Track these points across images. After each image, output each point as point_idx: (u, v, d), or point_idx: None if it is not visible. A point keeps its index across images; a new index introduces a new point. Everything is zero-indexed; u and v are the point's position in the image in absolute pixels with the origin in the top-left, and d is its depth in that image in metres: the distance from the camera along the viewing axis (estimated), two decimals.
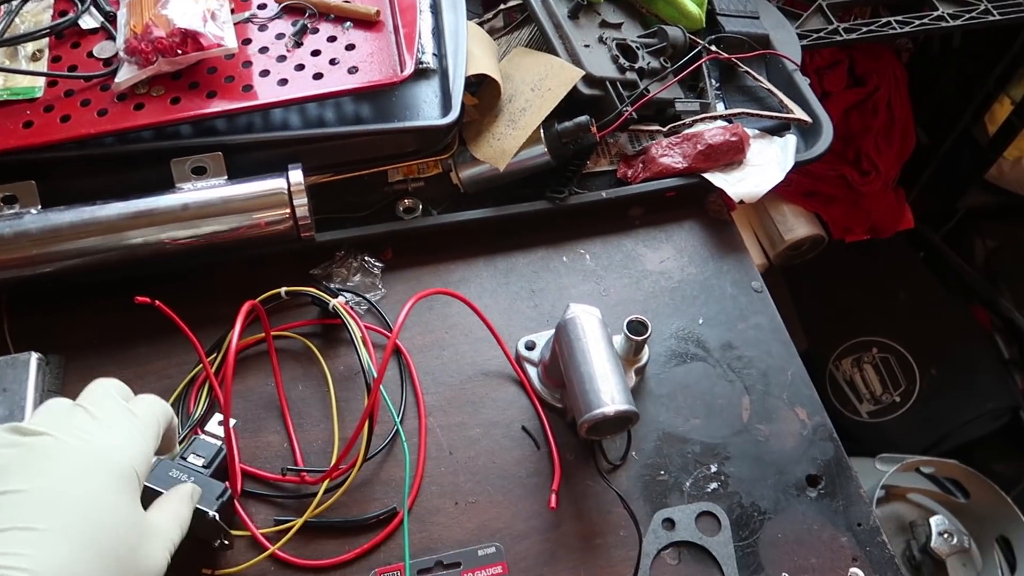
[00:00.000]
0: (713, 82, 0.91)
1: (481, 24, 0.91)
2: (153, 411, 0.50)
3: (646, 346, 0.69)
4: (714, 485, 0.66)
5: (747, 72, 0.89)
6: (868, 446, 1.31)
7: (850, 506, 0.65)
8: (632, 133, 0.85)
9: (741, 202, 0.78)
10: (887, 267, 1.41)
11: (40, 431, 0.44)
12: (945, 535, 1.02)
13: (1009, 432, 1.27)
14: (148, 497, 0.57)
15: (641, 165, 0.81)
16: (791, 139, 0.81)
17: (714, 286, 0.77)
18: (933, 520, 1.03)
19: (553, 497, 0.62)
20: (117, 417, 0.47)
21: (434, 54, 0.79)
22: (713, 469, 0.66)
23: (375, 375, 0.61)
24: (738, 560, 0.62)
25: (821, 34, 0.98)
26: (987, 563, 1.09)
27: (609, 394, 0.59)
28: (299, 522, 0.60)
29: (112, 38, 0.77)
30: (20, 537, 0.39)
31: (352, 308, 0.69)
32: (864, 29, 0.98)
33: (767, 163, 0.80)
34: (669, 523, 0.63)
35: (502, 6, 0.89)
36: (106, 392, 0.49)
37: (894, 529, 1.12)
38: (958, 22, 0.99)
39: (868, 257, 1.40)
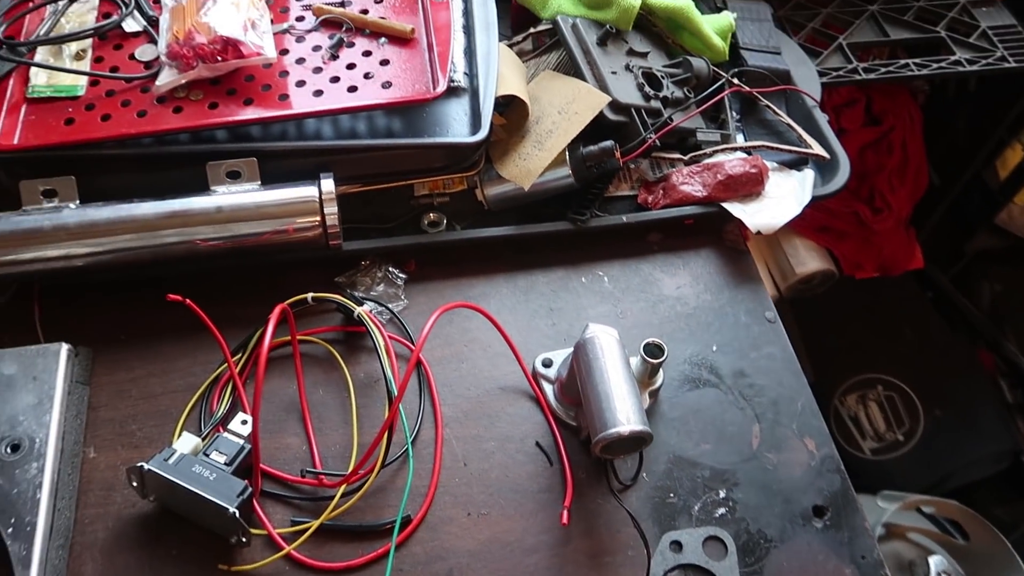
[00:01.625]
0: (734, 114, 0.92)
1: (511, 46, 0.93)
2: None
3: (661, 369, 0.70)
4: (722, 510, 0.67)
5: (768, 106, 0.91)
6: (870, 483, 1.32)
7: (855, 539, 0.66)
8: (654, 160, 0.86)
9: (757, 233, 0.80)
10: (895, 306, 1.42)
11: None
12: (943, 575, 1.02)
13: (1010, 476, 1.28)
14: (179, 495, 0.58)
15: (661, 192, 0.83)
16: (809, 173, 0.83)
17: (728, 314, 0.79)
18: (932, 560, 1.03)
19: (565, 513, 0.63)
20: None
21: (465, 73, 0.81)
22: (722, 494, 0.67)
23: (396, 386, 0.63)
24: None
25: (840, 72, 1.00)
26: None
27: (625, 414, 0.60)
28: (315, 524, 0.61)
29: (154, 42, 0.79)
30: None
31: (376, 317, 0.71)
32: (882, 70, 1.01)
33: (785, 196, 0.82)
34: (677, 545, 0.64)
35: (532, 30, 0.91)
36: None
37: (893, 567, 1.13)
38: (974, 67, 1.02)
39: (877, 295, 1.41)
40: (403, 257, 0.79)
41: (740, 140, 0.90)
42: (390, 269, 0.77)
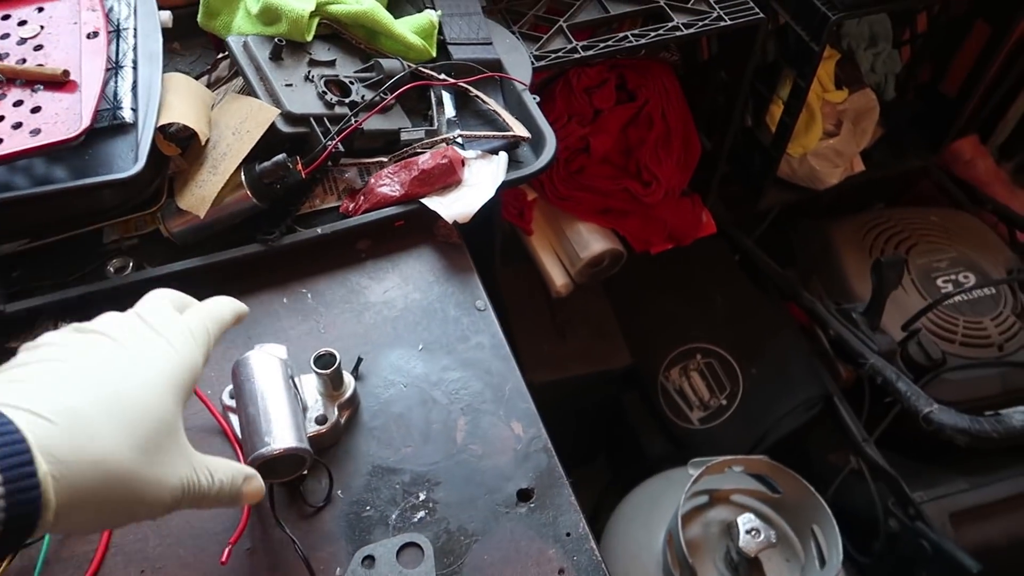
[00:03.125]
0: (450, 111, 0.91)
1: (208, 73, 0.90)
2: (204, 324, 0.51)
3: (350, 378, 0.67)
4: (421, 514, 0.63)
5: (477, 96, 0.90)
6: (703, 452, 1.31)
7: (560, 516, 0.64)
8: (361, 167, 0.84)
9: (453, 223, 0.78)
10: (705, 273, 1.44)
11: (95, 329, 0.47)
12: (752, 532, 1.01)
13: (833, 422, 1.29)
14: None
15: (362, 197, 0.81)
16: (502, 156, 0.82)
17: (437, 310, 0.76)
18: (739, 519, 1.02)
19: (226, 551, 0.58)
20: (169, 327, 0.49)
21: (132, 108, 0.77)
22: (422, 497, 0.64)
23: None
24: None
25: (560, 53, 1.00)
26: (807, 555, 1.09)
27: (273, 434, 0.57)
28: None
29: None
30: (33, 386, 0.41)
31: None
32: (601, 45, 1.01)
33: (482, 182, 0.80)
34: (370, 560, 0.61)
35: (219, 56, 0.88)
36: (159, 302, 0.51)
37: (719, 533, 1.12)
38: (691, 30, 1.03)
39: (686, 265, 1.43)
40: (87, 310, 0.73)
41: (455, 133, 0.88)
42: (71, 324, 0.72)
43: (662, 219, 1.25)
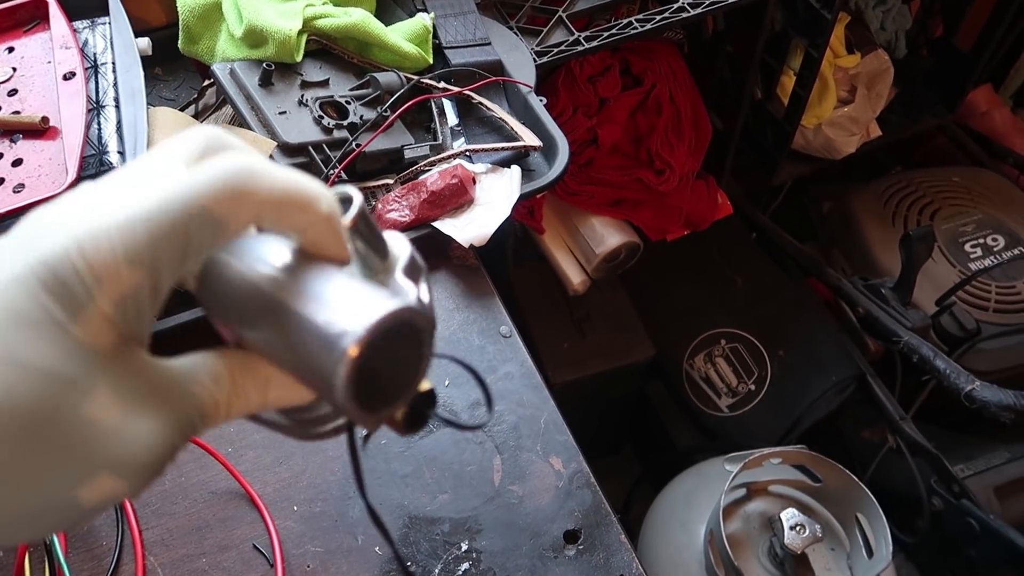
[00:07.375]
0: (452, 119, 0.86)
1: (195, 102, 0.85)
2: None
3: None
4: (465, 566, 0.60)
5: (480, 103, 0.85)
6: (734, 439, 1.29)
7: (611, 557, 0.60)
8: (366, 191, 0.80)
9: (470, 246, 0.73)
10: (722, 256, 1.39)
11: None
12: (797, 528, 0.98)
13: (866, 398, 1.26)
14: None
15: None
16: (515, 170, 0.78)
17: (460, 340, 0.72)
18: (783, 515, 0.99)
19: None
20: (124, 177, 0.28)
21: (119, 152, 0.73)
22: (464, 548, 0.61)
23: None
24: None
25: (561, 47, 0.95)
26: (853, 543, 1.06)
27: (343, 310, 0.28)
28: None
29: None
30: None
31: None
32: (605, 35, 0.96)
33: (496, 199, 0.76)
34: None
35: (205, 83, 0.83)
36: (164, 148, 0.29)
37: (759, 527, 1.09)
38: (699, 10, 0.97)
39: (701, 249, 1.38)
40: None
41: (461, 146, 0.84)
42: None
43: (677, 206, 1.20)
